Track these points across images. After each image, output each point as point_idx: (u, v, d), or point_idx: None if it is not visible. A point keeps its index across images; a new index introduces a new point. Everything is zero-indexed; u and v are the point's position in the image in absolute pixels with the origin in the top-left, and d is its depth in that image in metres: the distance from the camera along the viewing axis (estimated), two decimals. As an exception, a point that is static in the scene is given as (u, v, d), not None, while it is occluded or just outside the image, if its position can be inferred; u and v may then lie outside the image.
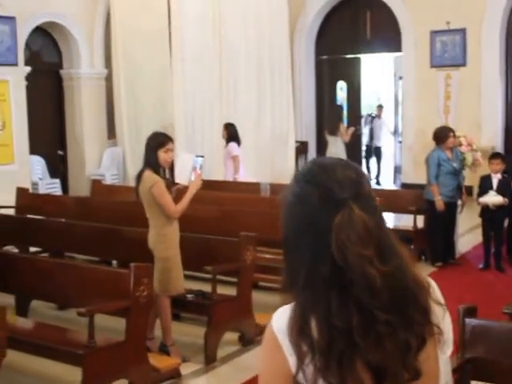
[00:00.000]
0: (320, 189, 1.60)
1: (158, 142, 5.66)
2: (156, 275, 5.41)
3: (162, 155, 5.62)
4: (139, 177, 5.69)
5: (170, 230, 5.68)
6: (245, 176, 10.68)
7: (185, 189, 5.84)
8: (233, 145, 10.61)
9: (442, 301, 1.70)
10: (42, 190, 10.89)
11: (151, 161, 5.62)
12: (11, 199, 8.76)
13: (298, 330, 1.57)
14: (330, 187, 1.59)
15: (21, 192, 9.00)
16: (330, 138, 12.30)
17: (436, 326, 1.62)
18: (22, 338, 5.02)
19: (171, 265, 5.66)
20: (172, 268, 5.67)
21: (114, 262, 7.74)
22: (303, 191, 1.62)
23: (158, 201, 5.56)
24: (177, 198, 5.74)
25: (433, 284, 1.70)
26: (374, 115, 17.11)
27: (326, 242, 1.55)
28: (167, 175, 5.82)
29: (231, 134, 10.74)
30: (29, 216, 8.00)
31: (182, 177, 5.90)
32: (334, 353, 1.53)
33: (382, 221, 1.63)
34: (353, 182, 1.60)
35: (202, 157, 6.07)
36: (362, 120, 16.64)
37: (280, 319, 1.63)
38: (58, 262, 6.26)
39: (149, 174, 5.58)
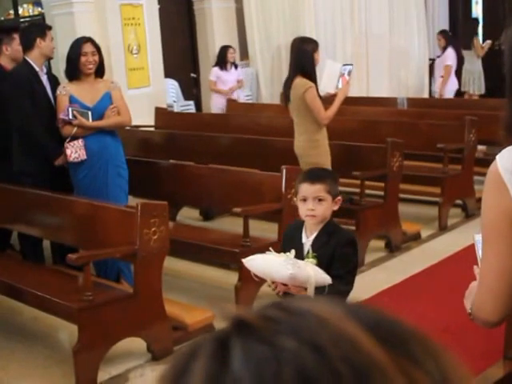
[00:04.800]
0: None
1: (313, 45, 5.64)
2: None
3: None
4: (288, 82, 5.68)
5: (321, 137, 5.68)
6: None
7: (331, 97, 5.81)
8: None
9: None
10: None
11: (306, 66, 5.58)
12: (148, 121, 8.95)
13: None
14: None
15: (159, 111, 9.18)
16: (465, 53, 12.09)
17: None
18: (178, 239, 5.16)
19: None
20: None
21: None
22: None
23: (309, 106, 5.54)
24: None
25: None
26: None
27: None
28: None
29: None
30: (171, 131, 8.15)
31: (328, 85, 5.85)
32: None
33: None
34: None
35: (351, 65, 6.00)
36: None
37: (506, 158, 1.58)
38: (208, 168, 6.40)
39: (300, 79, 5.56)
